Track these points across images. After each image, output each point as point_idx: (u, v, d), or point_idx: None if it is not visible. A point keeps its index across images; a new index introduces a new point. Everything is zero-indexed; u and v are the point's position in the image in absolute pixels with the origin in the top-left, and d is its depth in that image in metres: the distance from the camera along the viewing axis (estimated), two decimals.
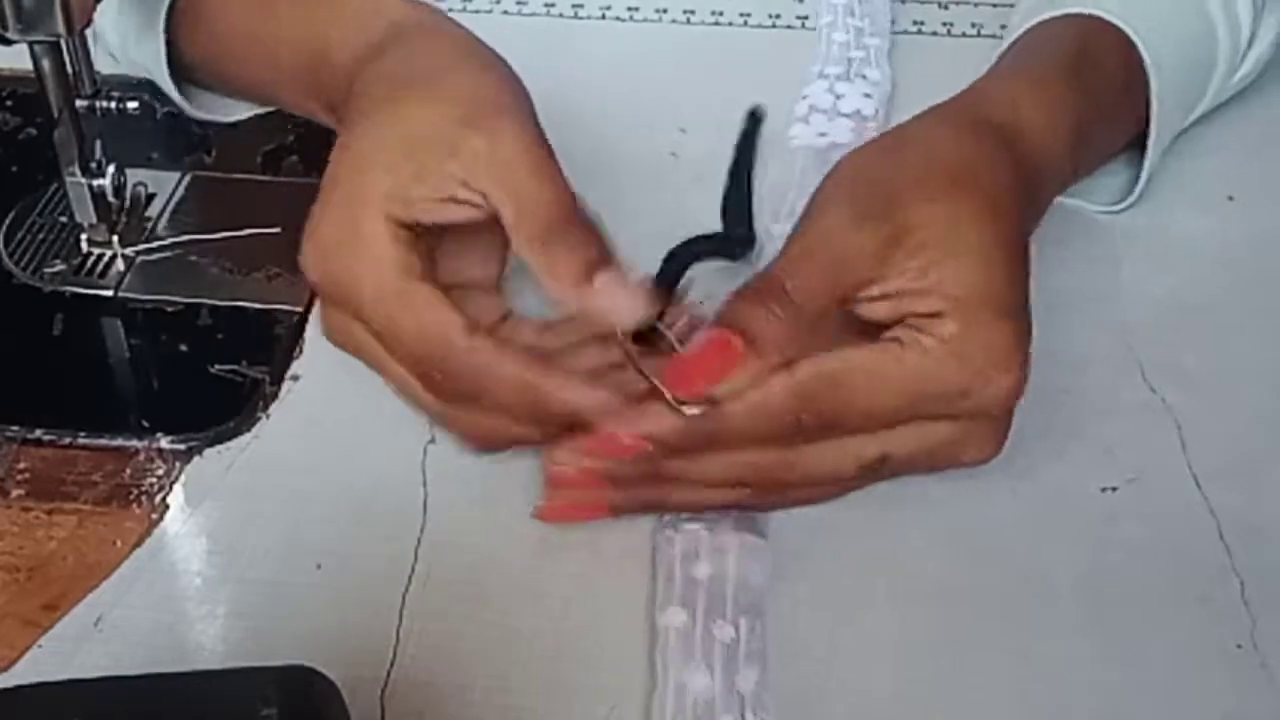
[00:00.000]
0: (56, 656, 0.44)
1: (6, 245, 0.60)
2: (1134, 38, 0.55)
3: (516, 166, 0.46)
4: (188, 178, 0.63)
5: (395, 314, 0.45)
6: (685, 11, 0.72)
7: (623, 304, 0.45)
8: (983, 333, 0.44)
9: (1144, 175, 0.58)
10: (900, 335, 0.44)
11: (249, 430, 0.51)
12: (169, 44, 0.60)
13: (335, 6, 0.55)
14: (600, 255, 0.46)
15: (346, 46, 0.53)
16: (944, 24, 0.72)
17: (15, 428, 0.51)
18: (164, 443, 0.51)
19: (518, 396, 0.44)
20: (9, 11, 0.50)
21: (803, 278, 0.44)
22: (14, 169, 0.65)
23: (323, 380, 0.53)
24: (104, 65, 0.60)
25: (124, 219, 0.59)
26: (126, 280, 0.58)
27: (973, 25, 0.72)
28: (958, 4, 0.73)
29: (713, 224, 0.47)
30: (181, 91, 0.62)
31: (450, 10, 0.71)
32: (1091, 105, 0.53)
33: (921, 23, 0.72)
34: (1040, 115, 0.51)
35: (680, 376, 0.44)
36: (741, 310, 0.45)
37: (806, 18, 0.72)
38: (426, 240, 0.47)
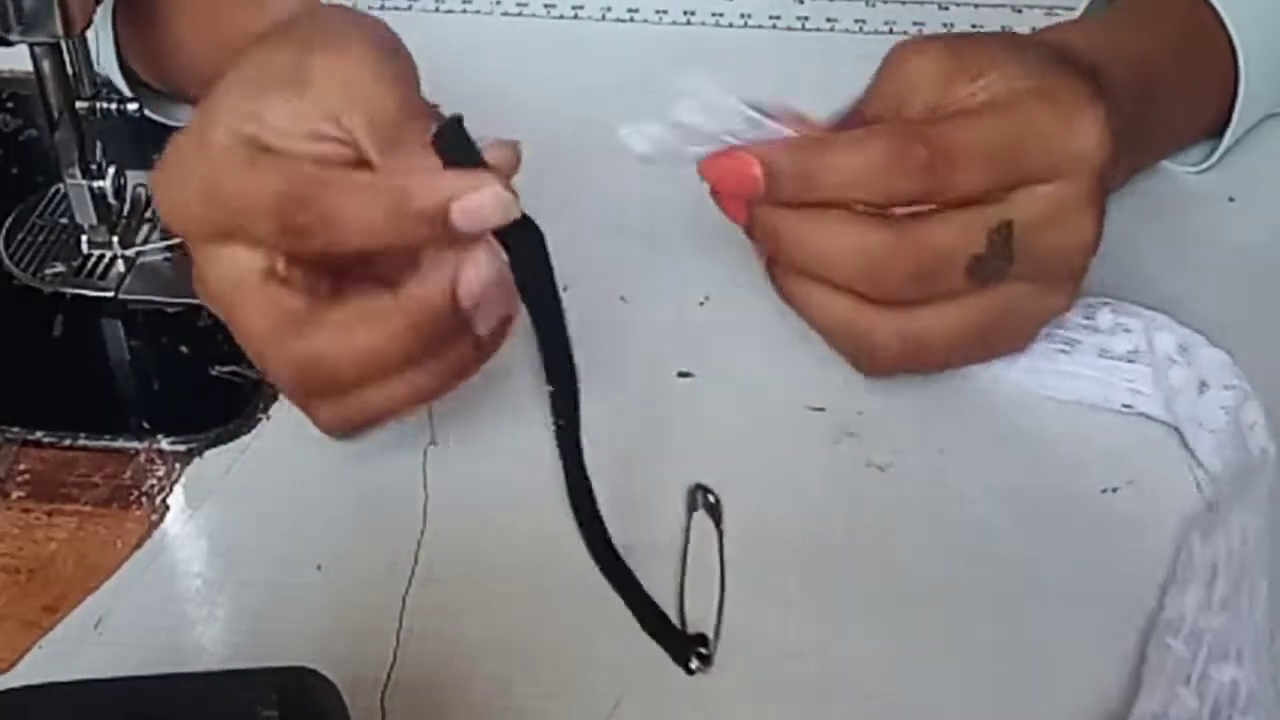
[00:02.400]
0: (56, 658, 0.44)
1: (7, 247, 0.60)
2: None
3: (363, 81, 0.45)
4: None
5: (244, 169, 0.43)
6: (685, 12, 0.72)
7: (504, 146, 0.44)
8: (1062, 80, 0.46)
9: (1228, 134, 0.60)
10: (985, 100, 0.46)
11: (249, 432, 0.51)
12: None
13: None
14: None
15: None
16: (944, 24, 0.72)
17: (16, 429, 0.51)
18: (164, 444, 0.51)
19: (387, 200, 0.42)
20: (9, 12, 0.50)
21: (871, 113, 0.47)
22: (14, 171, 0.65)
23: None
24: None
25: (124, 220, 0.59)
26: (127, 282, 0.58)
27: (973, 26, 0.72)
28: (958, 4, 0.73)
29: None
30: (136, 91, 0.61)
31: (450, 12, 0.72)
32: (1155, 41, 0.55)
33: (922, 23, 0.72)
34: (1093, 39, 0.52)
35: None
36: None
37: (807, 18, 0.72)
38: None
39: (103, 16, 0.59)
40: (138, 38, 0.58)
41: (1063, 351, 0.51)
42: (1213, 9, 0.57)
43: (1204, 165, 0.61)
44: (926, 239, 0.45)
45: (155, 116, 0.62)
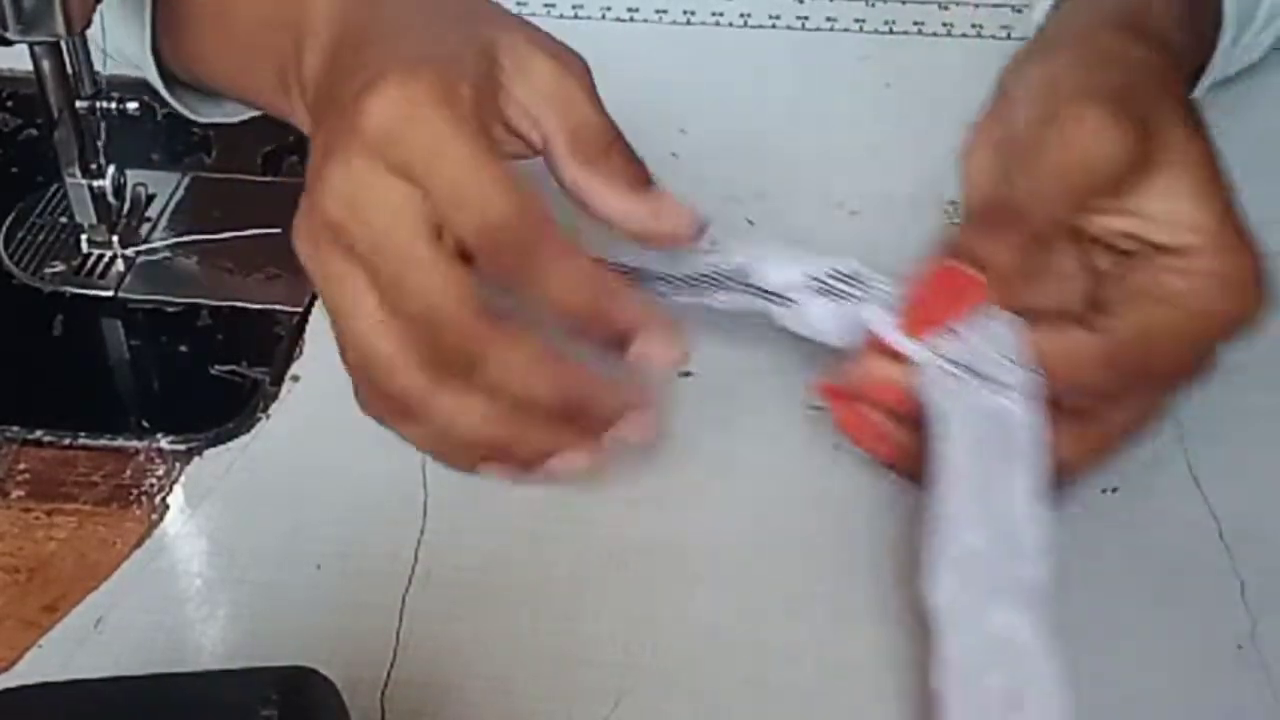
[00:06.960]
0: (56, 657, 0.44)
1: (7, 246, 0.60)
2: None
3: (577, 92, 0.47)
4: (188, 178, 0.63)
5: (466, 174, 0.42)
6: (685, 12, 0.72)
7: (682, 213, 0.46)
8: (1236, 258, 0.44)
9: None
10: (1170, 281, 0.43)
11: (249, 431, 0.51)
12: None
13: None
14: (646, 173, 0.47)
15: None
16: (944, 24, 0.72)
17: (15, 428, 0.51)
18: (164, 443, 0.51)
19: (585, 279, 0.43)
20: (9, 11, 0.50)
21: (1038, 185, 0.43)
22: (14, 170, 0.65)
23: (323, 380, 0.53)
24: (104, 65, 0.59)
25: (124, 220, 0.59)
26: (126, 281, 0.58)
27: (973, 26, 0.72)
28: (958, 4, 0.73)
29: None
30: (172, 90, 0.61)
31: None
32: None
33: (921, 23, 0.72)
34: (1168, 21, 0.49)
35: (920, 318, 0.44)
36: (972, 239, 0.44)
37: (807, 18, 0.72)
38: None
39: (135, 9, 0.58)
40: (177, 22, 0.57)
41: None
42: None
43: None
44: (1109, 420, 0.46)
45: (189, 114, 0.60)
